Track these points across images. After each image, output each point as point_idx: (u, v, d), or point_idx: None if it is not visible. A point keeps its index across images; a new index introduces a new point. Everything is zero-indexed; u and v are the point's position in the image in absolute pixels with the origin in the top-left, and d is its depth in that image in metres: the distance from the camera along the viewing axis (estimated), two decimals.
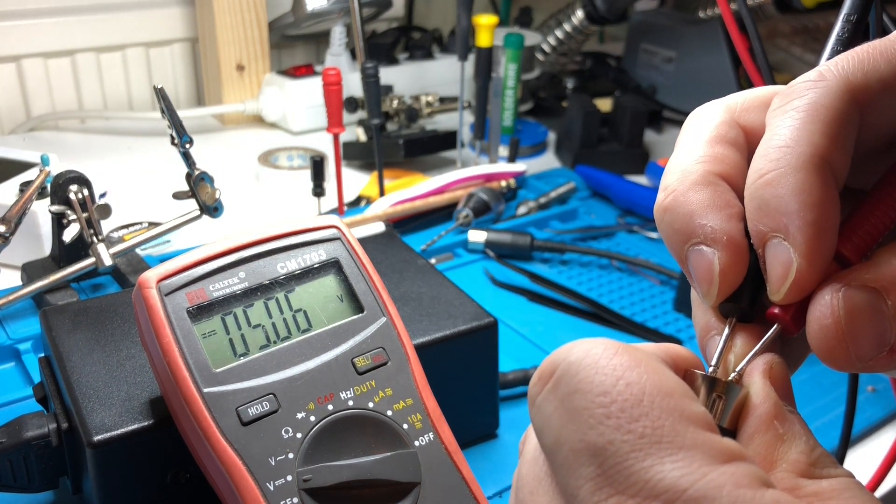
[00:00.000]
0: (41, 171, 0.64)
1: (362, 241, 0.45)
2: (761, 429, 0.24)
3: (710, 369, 0.26)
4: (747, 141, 0.28)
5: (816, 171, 0.24)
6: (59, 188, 0.60)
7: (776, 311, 0.25)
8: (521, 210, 0.84)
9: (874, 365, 0.24)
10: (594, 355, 0.23)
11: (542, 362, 0.24)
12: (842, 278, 0.24)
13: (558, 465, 0.23)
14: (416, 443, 0.38)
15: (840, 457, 0.45)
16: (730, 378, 0.25)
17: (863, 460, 0.55)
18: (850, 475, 0.23)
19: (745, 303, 0.26)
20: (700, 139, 0.27)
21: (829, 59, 0.27)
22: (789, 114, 0.25)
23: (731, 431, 0.25)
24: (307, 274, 0.40)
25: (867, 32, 0.31)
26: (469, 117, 0.96)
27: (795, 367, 0.28)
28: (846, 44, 0.29)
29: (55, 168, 0.66)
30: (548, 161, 1.02)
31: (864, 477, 0.49)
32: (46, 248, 0.67)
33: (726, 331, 0.26)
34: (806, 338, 0.25)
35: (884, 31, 0.30)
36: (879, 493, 0.51)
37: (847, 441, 0.44)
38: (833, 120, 0.24)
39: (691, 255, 0.26)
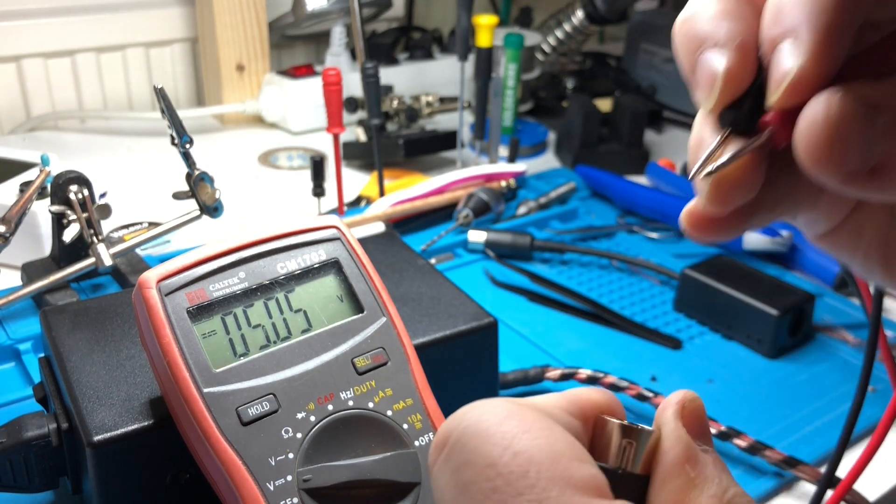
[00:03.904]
0: (41, 171, 0.64)
1: (362, 241, 0.45)
2: (672, 474, 0.24)
3: (696, 171, 0.25)
4: None
5: None
6: (59, 188, 0.60)
7: (769, 117, 0.25)
8: (521, 210, 0.84)
9: (852, 182, 0.23)
10: (485, 422, 0.23)
11: (440, 428, 0.24)
12: (843, 86, 0.23)
13: None
14: (417, 443, 0.38)
15: (837, 456, 0.45)
16: (639, 426, 0.25)
17: None
18: None
19: (744, 111, 0.25)
20: None
21: None
22: None
23: (645, 477, 0.24)
24: (307, 274, 0.40)
25: None
26: (469, 117, 0.96)
27: (777, 211, 0.28)
28: None
29: (55, 168, 0.66)
30: (548, 161, 1.02)
31: (865, 479, 0.49)
32: (46, 249, 0.67)
33: (718, 138, 0.25)
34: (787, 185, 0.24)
35: None
36: (874, 496, 0.51)
37: (847, 439, 0.44)
38: None
39: (701, 59, 0.25)
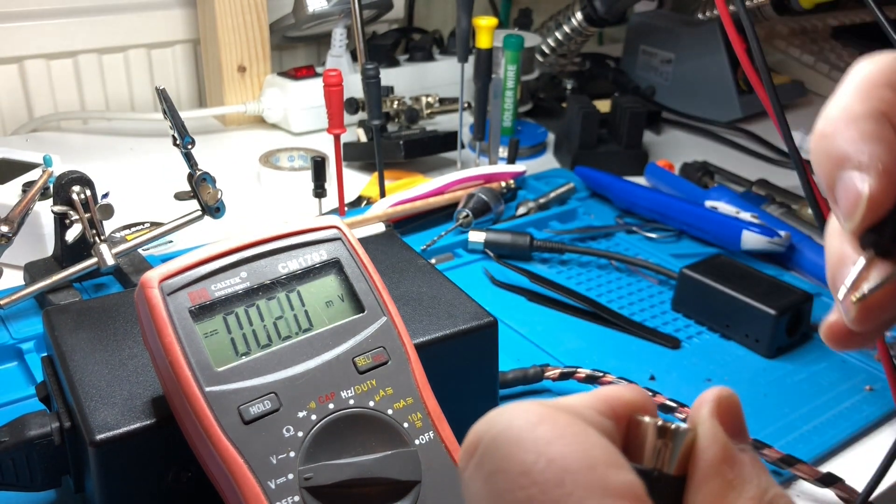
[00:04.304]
0: (44, 171, 0.65)
1: (363, 241, 0.45)
2: (709, 475, 0.23)
3: (844, 293, 0.26)
4: None
5: None
6: (62, 188, 0.61)
7: None
8: (521, 210, 0.85)
9: None
10: (516, 428, 0.22)
11: (469, 432, 0.24)
12: None
13: None
14: (417, 441, 0.39)
15: (874, 481, 0.44)
16: (674, 425, 0.24)
17: (860, 459, 0.55)
18: None
19: (887, 234, 0.26)
20: (867, 81, 0.27)
21: None
22: None
23: (681, 478, 0.24)
24: (308, 274, 0.41)
25: None
26: (469, 118, 0.96)
27: None
28: None
29: (57, 168, 0.66)
30: (547, 162, 1.02)
31: (863, 478, 0.49)
32: (49, 249, 0.67)
33: (862, 259, 0.26)
34: None
35: None
36: (873, 495, 0.51)
37: (888, 465, 0.43)
38: None
39: (842, 178, 0.26)
